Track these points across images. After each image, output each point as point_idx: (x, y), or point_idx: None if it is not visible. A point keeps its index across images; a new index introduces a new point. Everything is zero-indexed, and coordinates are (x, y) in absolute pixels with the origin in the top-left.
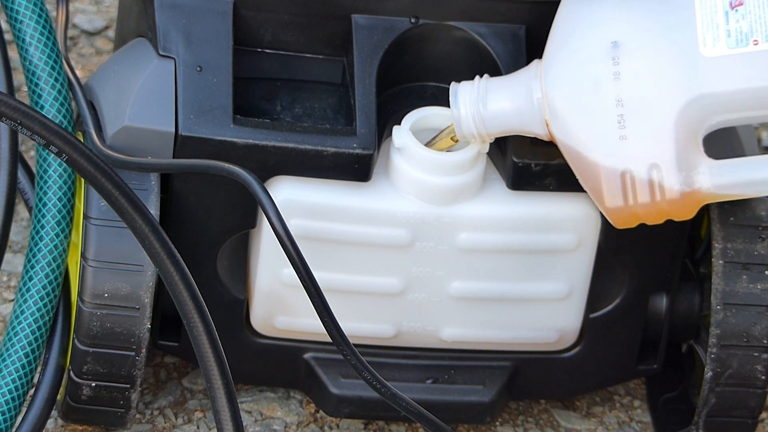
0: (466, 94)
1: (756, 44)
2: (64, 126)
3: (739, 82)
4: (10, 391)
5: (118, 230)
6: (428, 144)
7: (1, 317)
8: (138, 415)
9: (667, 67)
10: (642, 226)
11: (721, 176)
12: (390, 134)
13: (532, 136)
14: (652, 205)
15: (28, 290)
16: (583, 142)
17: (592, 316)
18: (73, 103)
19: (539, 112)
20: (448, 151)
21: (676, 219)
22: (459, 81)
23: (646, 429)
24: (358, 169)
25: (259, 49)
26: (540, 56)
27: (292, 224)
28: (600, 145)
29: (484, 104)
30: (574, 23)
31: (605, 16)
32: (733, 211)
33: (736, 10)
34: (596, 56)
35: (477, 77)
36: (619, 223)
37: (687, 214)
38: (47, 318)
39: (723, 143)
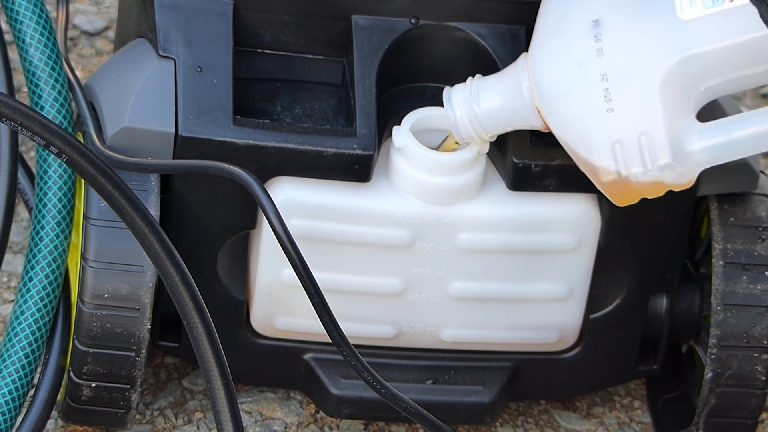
0: (459, 96)
1: (731, 1)
2: (64, 127)
3: (719, 40)
4: (10, 392)
5: (118, 231)
6: (438, 147)
7: (1, 318)
8: (138, 416)
9: (647, 36)
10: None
11: (713, 137)
12: (390, 135)
13: (528, 128)
14: (646, 175)
15: (28, 291)
16: (573, 121)
17: (592, 316)
18: (73, 104)
19: (530, 101)
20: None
21: (675, 189)
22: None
23: (646, 430)
24: (358, 169)
25: (260, 50)
26: None
27: (292, 225)
28: (589, 121)
29: (477, 103)
30: (555, 10)
31: None
32: (734, 212)
33: None
34: (579, 36)
35: (469, 78)
36: (618, 200)
37: (685, 180)
38: (47, 319)
39: None
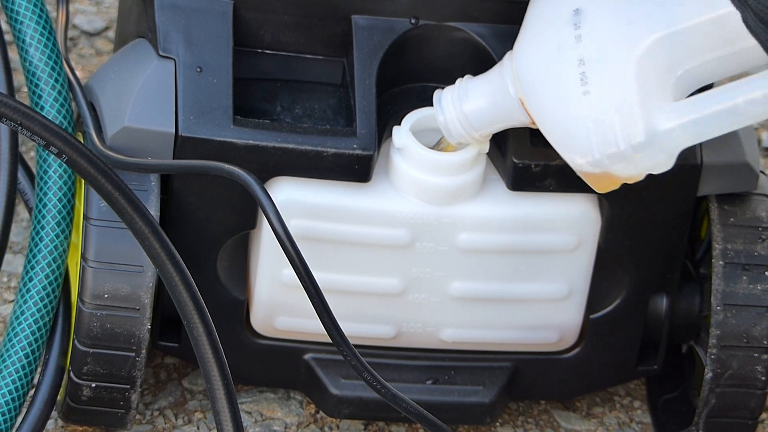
0: (448, 97)
1: None
2: (64, 127)
3: (692, 17)
4: (10, 392)
5: (118, 231)
6: (434, 147)
7: (1, 318)
8: (138, 416)
9: (623, 19)
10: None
11: (686, 114)
12: (390, 135)
13: (517, 125)
14: (621, 157)
15: (28, 291)
16: (552, 109)
17: (592, 316)
18: (73, 104)
19: (515, 95)
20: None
21: (654, 172)
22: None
23: (646, 430)
24: (358, 169)
25: (259, 50)
26: None
27: (292, 225)
28: (566, 106)
29: (465, 103)
30: (540, 6)
31: None
32: (734, 212)
33: None
34: (560, 26)
35: (458, 80)
36: (599, 187)
37: (662, 164)
38: (47, 319)
39: (723, 144)
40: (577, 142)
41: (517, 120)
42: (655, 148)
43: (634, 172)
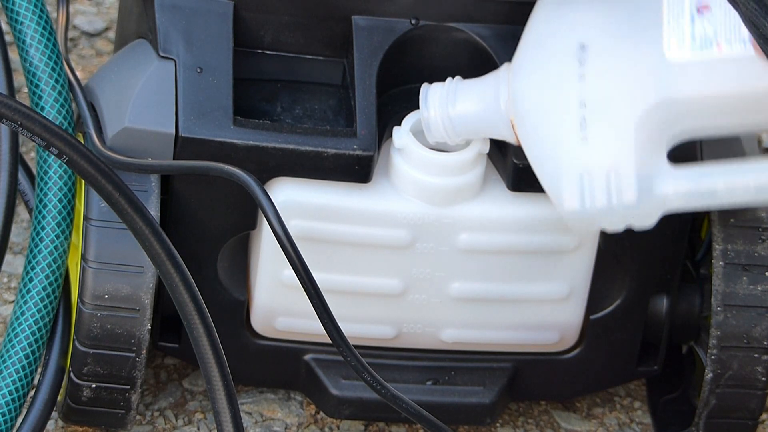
0: (436, 95)
1: (720, 50)
2: (64, 127)
3: (700, 89)
4: (10, 392)
5: (118, 231)
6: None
7: (2, 318)
8: (138, 417)
9: (630, 69)
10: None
11: (682, 184)
12: (390, 135)
13: (498, 138)
14: (609, 210)
15: (28, 291)
16: (545, 142)
17: (592, 317)
18: (73, 105)
19: (506, 112)
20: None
21: (636, 227)
22: None
23: (646, 430)
24: (358, 170)
25: (260, 51)
26: None
27: (292, 225)
28: (562, 146)
29: (453, 105)
30: (545, 26)
31: (575, 18)
32: (734, 213)
33: (702, 14)
34: (564, 58)
35: (449, 79)
36: (577, 228)
37: (647, 220)
38: (47, 319)
39: (723, 144)
40: (567, 185)
41: (501, 134)
42: (644, 208)
43: (616, 221)
